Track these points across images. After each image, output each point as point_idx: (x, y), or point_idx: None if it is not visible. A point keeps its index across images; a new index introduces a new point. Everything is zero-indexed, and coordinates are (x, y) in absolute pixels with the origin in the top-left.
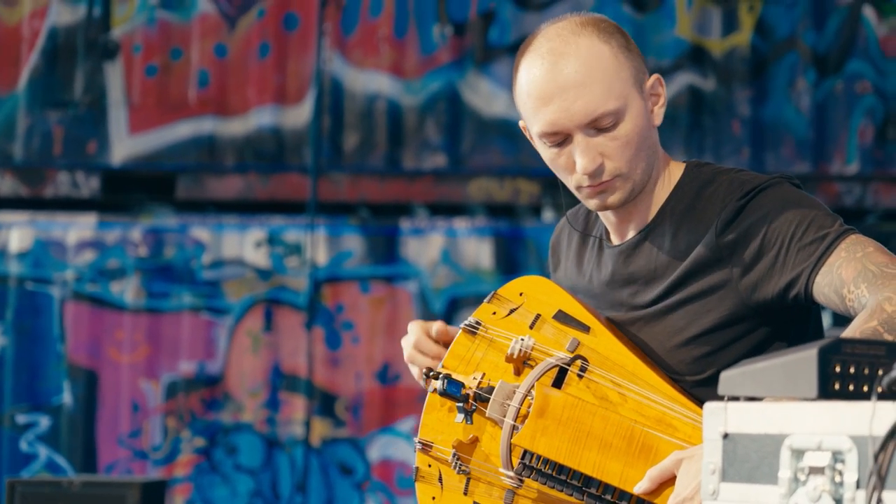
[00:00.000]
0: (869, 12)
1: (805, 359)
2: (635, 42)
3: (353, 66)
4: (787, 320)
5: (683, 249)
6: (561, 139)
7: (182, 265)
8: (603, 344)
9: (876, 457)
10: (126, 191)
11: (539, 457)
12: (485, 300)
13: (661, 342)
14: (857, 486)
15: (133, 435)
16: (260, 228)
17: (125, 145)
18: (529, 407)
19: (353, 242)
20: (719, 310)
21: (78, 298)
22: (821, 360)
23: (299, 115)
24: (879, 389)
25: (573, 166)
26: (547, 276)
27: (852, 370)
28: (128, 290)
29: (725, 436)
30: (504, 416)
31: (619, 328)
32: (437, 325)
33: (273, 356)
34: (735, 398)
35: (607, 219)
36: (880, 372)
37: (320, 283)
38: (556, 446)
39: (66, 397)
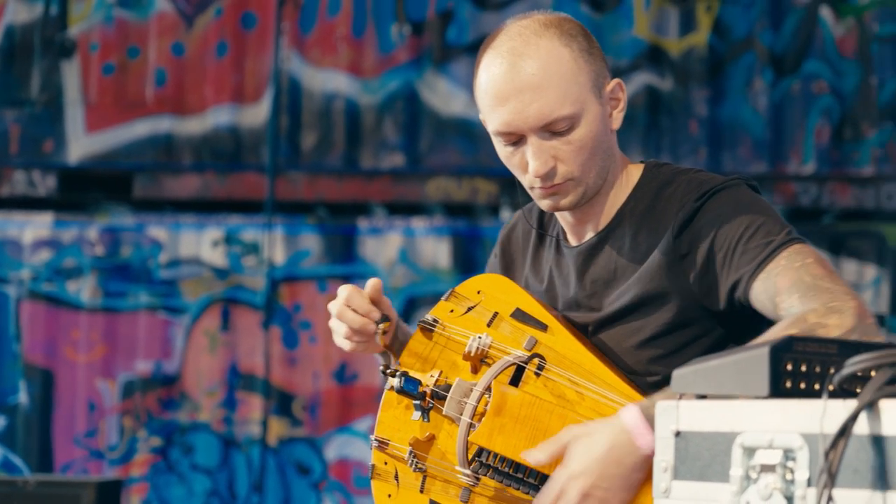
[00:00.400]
0: (826, 13)
1: (757, 357)
2: (597, 41)
3: (311, 65)
4: (744, 322)
5: (643, 250)
6: (515, 139)
7: (139, 264)
8: (560, 342)
9: (827, 454)
10: (83, 190)
11: (496, 455)
12: (442, 298)
13: (619, 343)
14: (809, 483)
15: (89, 435)
16: (217, 228)
17: (82, 144)
18: (486, 405)
19: (311, 242)
20: (675, 311)
21: (34, 298)
22: (772, 358)
23: (257, 114)
24: (830, 387)
25: (526, 166)
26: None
27: (804, 368)
28: (84, 289)
29: (677, 434)
30: (461, 414)
31: (578, 328)
32: (370, 282)
33: (230, 356)
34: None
35: (564, 219)
36: (832, 370)
37: (278, 282)
38: (512, 444)
39: (22, 397)
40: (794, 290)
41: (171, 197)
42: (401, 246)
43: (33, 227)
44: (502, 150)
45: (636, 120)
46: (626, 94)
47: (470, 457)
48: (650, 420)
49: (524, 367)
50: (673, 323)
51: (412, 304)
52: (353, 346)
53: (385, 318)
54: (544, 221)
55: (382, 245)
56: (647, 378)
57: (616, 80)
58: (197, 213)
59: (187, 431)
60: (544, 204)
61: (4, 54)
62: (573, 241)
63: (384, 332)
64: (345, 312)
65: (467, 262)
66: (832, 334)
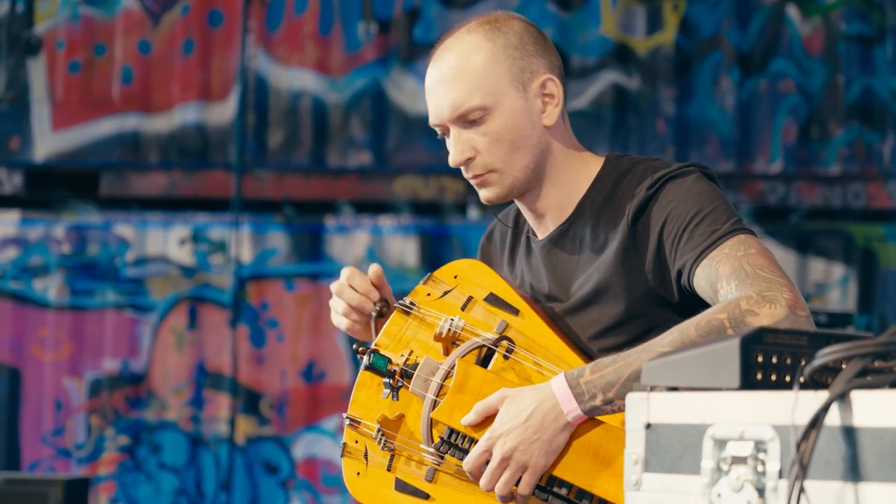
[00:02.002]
0: (793, 12)
1: (727, 348)
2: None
3: (278, 63)
4: (703, 308)
5: (602, 241)
6: (444, 131)
7: (106, 262)
8: (531, 327)
9: (798, 446)
10: (49, 187)
11: (458, 433)
12: (420, 282)
13: (582, 331)
14: (780, 475)
15: (56, 433)
16: (184, 226)
17: (48, 142)
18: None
19: (278, 240)
20: (631, 301)
21: (0, 296)
22: (743, 349)
23: (224, 112)
24: (802, 379)
25: None
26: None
27: (774, 360)
28: (51, 287)
29: (648, 426)
30: (426, 392)
31: (551, 316)
32: (373, 267)
33: (197, 354)
34: (657, 388)
35: (527, 215)
36: (802, 362)
37: (245, 280)
38: (472, 424)
39: None
40: (733, 278)
41: (137, 195)
42: (368, 244)
43: None
44: (447, 142)
45: (603, 118)
46: (562, 91)
47: (433, 435)
48: (574, 389)
49: (494, 350)
50: (628, 313)
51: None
52: (349, 324)
53: (384, 301)
54: (519, 221)
55: (350, 243)
56: None
57: (546, 76)
58: (164, 211)
59: (155, 430)
60: (480, 195)
61: None
62: (539, 235)
63: (380, 315)
64: (344, 289)
65: (435, 261)
66: (761, 323)
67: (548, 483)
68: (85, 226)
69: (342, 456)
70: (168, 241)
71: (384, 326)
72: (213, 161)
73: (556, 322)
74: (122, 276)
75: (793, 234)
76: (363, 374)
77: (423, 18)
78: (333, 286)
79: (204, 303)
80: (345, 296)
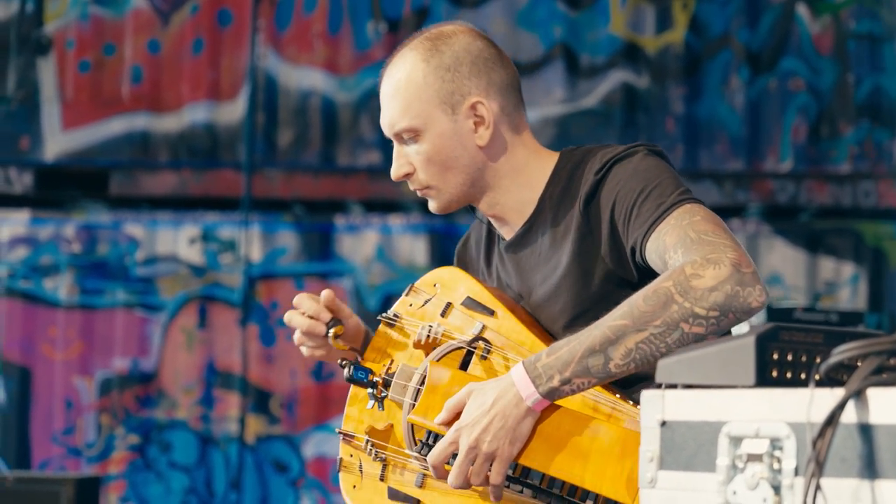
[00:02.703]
0: (802, 10)
1: (742, 346)
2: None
3: (287, 62)
4: None
5: (562, 231)
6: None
7: (116, 262)
8: (506, 326)
9: (814, 443)
10: (59, 187)
11: (436, 434)
12: (403, 293)
13: (552, 325)
14: (796, 472)
15: (67, 432)
16: (194, 225)
17: (58, 141)
18: None
19: (288, 239)
20: (595, 286)
21: (11, 295)
22: (758, 347)
23: (233, 111)
24: (817, 377)
25: None
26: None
27: (790, 357)
28: (61, 286)
29: (663, 423)
30: (405, 397)
31: (527, 314)
32: (324, 292)
33: (207, 353)
34: (672, 386)
35: (491, 219)
36: (818, 359)
37: (255, 279)
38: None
39: (0, 394)
40: (679, 246)
41: (147, 194)
42: (378, 243)
43: (10, 225)
44: None
45: (613, 117)
46: (494, 112)
47: (415, 439)
48: (531, 373)
49: (472, 352)
50: (592, 299)
51: (389, 301)
52: (308, 352)
53: (336, 322)
54: (492, 224)
55: (359, 242)
56: None
57: (474, 99)
58: (174, 210)
59: (165, 429)
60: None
61: None
62: (506, 237)
63: (336, 336)
64: (293, 317)
65: (444, 259)
66: (707, 285)
67: (521, 475)
68: (95, 225)
69: (339, 471)
70: (178, 240)
71: (371, 341)
72: (222, 160)
73: (532, 319)
74: (133, 276)
75: (803, 233)
76: (354, 390)
77: (433, 17)
78: (285, 316)
79: (214, 302)
80: (294, 322)
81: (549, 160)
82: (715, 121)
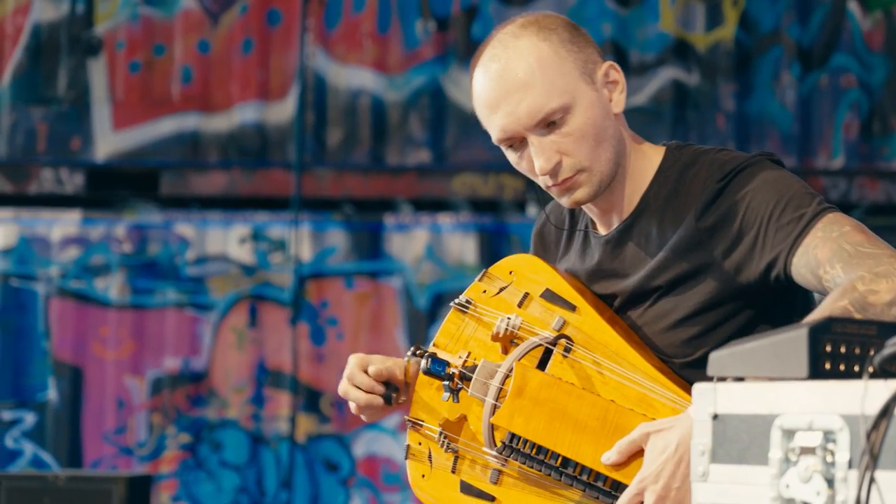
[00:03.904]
0: (854, 6)
1: (795, 338)
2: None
3: (337, 61)
4: (775, 301)
5: (669, 234)
6: (517, 143)
7: (166, 261)
8: (588, 323)
9: (868, 436)
10: (110, 187)
11: (519, 437)
12: (476, 279)
13: (650, 326)
14: (849, 465)
15: (118, 431)
16: (244, 224)
17: (109, 141)
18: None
19: (338, 238)
20: (705, 292)
21: (62, 295)
22: (811, 339)
23: (283, 110)
24: (871, 369)
25: (534, 168)
26: None
27: (843, 350)
28: (112, 286)
29: (715, 416)
30: (486, 396)
31: (611, 311)
32: (374, 366)
33: (258, 352)
34: (724, 379)
35: (590, 210)
36: (871, 351)
37: (305, 278)
38: (532, 426)
39: (52, 394)
40: (835, 261)
41: (198, 194)
42: (427, 242)
43: (61, 225)
44: (511, 157)
45: (663, 115)
46: (624, 75)
47: (495, 438)
48: None
49: (552, 349)
50: (702, 304)
51: (439, 300)
52: (367, 419)
53: (394, 388)
54: (575, 214)
55: (409, 241)
56: (679, 360)
57: (608, 63)
58: (224, 210)
59: (216, 428)
60: (563, 201)
61: (31, 52)
62: (602, 231)
63: (395, 402)
64: (348, 391)
65: (494, 258)
66: (885, 300)
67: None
68: (146, 225)
69: (406, 458)
70: (228, 239)
71: (442, 326)
72: (272, 160)
73: (616, 317)
74: (183, 275)
75: None
76: (423, 375)
77: (481, 16)
78: (340, 389)
79: (264, 301)
80: (351, 397)
81: (654, 153)
82: (766, 118)
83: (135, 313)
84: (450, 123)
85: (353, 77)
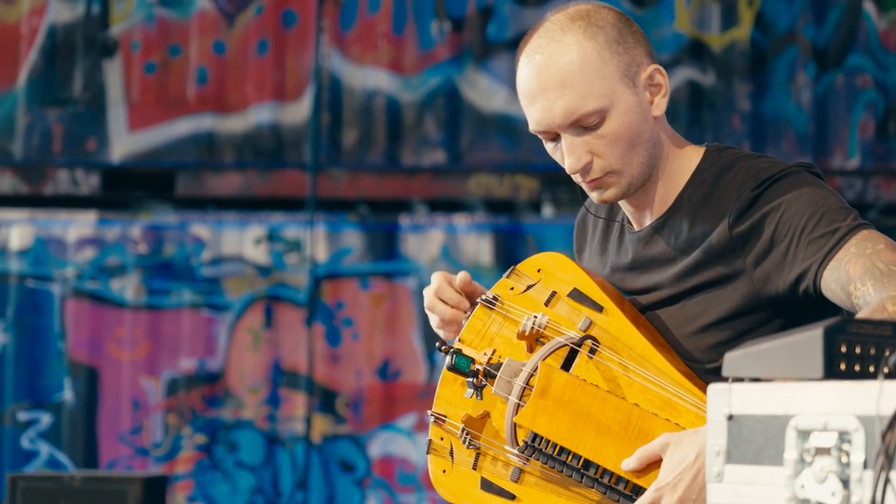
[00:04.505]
0: (869, 6)
1: (810, 339)
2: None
3: (352, 62)
4: (804, 311)
5: (700, 237)
6: (552, 136)
7: (182, 262)
8: (615, 325)
9: (883, 436)
10: (126, 188)
11: (541, 437)
12: (504, 275)
13: (678, 328)
14: (865, 466)
15: (134, 432)
16: (259, 225)
17: (124, 142)
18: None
19: (353, 239)
20: (734, 299)
21: (78, 296)
22: (826, 339)
23: (298, 111)
24: (886, 369)
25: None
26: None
27: (858, 350)
28: (128, 287)
29: (730, 417)
30: (509, 394)
31: (637, 312)
32: (460, 276)
33: (273, 353)
34: (739, 379)
35: (625, 206)
36: (887, 352)
37: (320, 279)
38: (555, 427)
39: (67, 394)
40: (867, 278)
41: (213, 195)
42: (442, 243)
43: (77, 226)
44: (546, 146)
45: (678, 115)
46: (668, 79)
47: (518, 437)
48: None
49: (577, 349)
50: (731, 311)
51: None
52: (446, 335)
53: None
54: (614, 207)
55: (424, 242)
56: (706, 365)
57: (654, 66)
58: (239, 210)
59: (231, 429)
60: (593, 196)
61: (47, 54)
62: (636, 227)
63: None
64: (435, 304)
65: (509, 259)
66: None
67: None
68: (161, 226)
69: (428, 453)
70: (244, 240)
71: (468, 322)
72: (287, 161)
73: (642, 319)
74: (199, 276)
75: None
76: (447, 371)
77: (497, 16)
78: (426, 299)
79: (279, 302)
80: (437, 311)
81: (694, 154)
82: (781, 118)
83: (150, 314)
84: (465, 124)
85: (368, 78)
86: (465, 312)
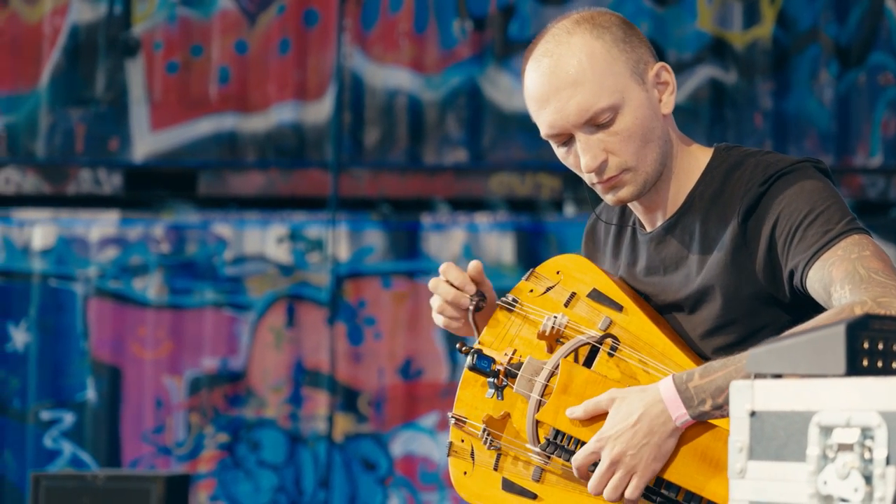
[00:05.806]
0: (891, 4)
1: (833, 335)
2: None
3: (374, 61)
4: (810, 311)
5: (712, 235)
6: (565, 139)
7: (204, 261)
8: (635, 324)
9: None
10: (148, 187)
11: (563, 434)
12: (523, 278)
13: (692, 328)
14: (887, 462)
15: (157, 431)
16: (281, 224)
17: (147, 142)
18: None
19: (375, 238)
20: (743, 300)
21: (101, 295)
22: (849, 336)
23: (320, 110)
24: None
25: (580, 165)
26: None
27: (881, 346)
28: (150, 286)
29: (752, 413)
30: (531, 392)
31: (656, 311)
32: (472, 263)
33: (295, 352)
34: (762, 375)
35: (635, 208)
36: None
37: (342, 278)
38: (577, 423)
39: (90, 394)
40: (846, 282)
41: (235, 194)
42: (464, 241)
43: (99, 225)
44: (558, 152)
45: (700, 113)
46: (676, 80)
47: (539, 435)
48: (683, 393)
49: (598, 348)
50: (739, 312)
51: None
52: (445, 321)
53: (481, 295)
54: (625, 213)
55: (446, 241)
56: None
57: (660, 64)
58: (261, 210)
59: (254, 427)
60: (608, 198)
61: (69, 53)
62: (648, 228)
63: (477, 309)
64: (439, 285)
65: (531, 258)
66: None
67: (656, 484)
68: (183, 225)
69: (448, 455)
70: (266, 239)
71: (487, 323)
72: (309, 160)
73: (661, 318)
74: (221, 275)
75: (893, 228)
76: (468, 373)
77: (518, 15)
78: (430, 283)
79: (302, 301)
80: (439, 290)
81: (702, 153)
82: (803, 116)
83: (173, 313)
84: (487, 123)
85: (389, 77)
86: (471, 300)
